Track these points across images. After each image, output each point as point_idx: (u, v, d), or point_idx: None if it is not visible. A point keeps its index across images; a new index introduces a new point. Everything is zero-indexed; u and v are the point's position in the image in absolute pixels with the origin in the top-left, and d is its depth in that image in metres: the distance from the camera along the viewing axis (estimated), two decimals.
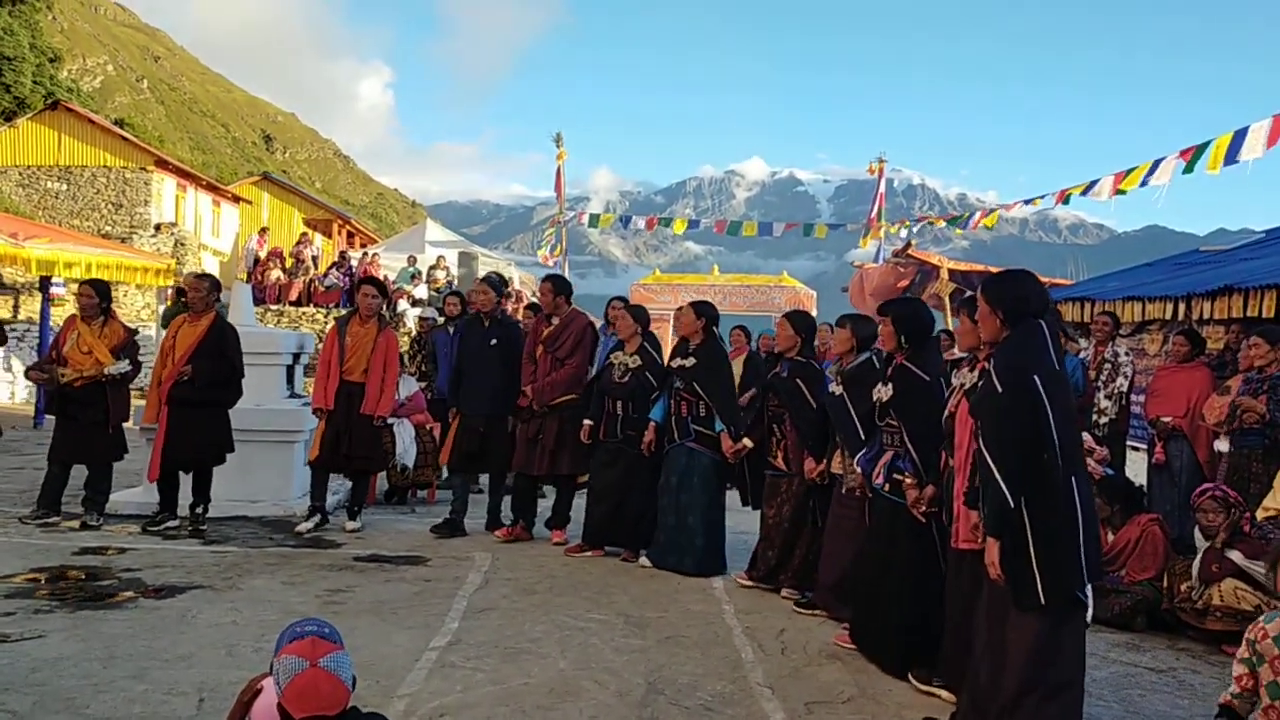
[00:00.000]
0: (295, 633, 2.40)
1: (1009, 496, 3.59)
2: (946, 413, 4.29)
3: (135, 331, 8.00)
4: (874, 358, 5.72)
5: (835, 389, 5.68)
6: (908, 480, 4.72)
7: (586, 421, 7.40)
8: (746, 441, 6.71)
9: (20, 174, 27.54)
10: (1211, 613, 5.60)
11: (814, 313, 18.75)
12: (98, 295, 7.74)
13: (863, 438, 5.32)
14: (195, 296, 7.66)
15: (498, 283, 8.23)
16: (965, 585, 4.08)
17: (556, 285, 7.86)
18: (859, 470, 5.26)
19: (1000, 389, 3.67)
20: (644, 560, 7.04)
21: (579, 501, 7.79)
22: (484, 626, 5.34)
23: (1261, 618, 3.37)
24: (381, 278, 22.67)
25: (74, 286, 8.91)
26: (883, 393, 4.96)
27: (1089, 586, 3.72)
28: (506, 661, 4.79)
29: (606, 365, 7.49)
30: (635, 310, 7.60)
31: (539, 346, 7.64)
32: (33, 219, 23.67)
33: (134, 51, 72.75)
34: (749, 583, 6.52)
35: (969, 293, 13.57)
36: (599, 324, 10.18)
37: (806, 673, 4.87)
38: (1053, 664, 3.67)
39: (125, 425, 7.83)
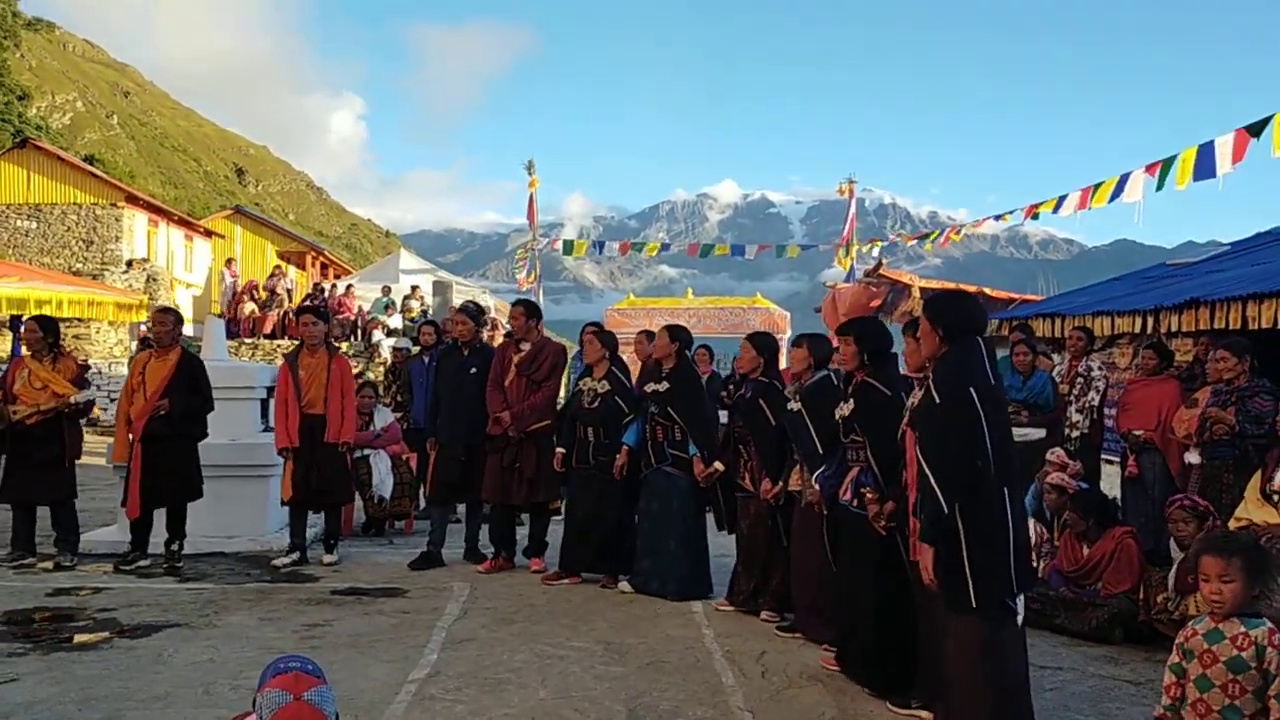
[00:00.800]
0: (279, 668, 2.40)
1: (943, 502, 3.74)
2: (901, 430, 4.39)
3: (88, 366, 7.95)
4: (832, 375, 5.80)
5: (794, 406, 5.75)
6: (869, 495, 4.79)
7: (559, 449, 7.41)
8: (718, 465, 6.73)
9: None
10: (1188, 622, 5.63)
11: (788, 333, 18.84)
12: (43, 330, 7.68)
13: (821, 454, 5.39)
14: (161, 331, 7.63)
15: (475, 312, 8.25)
16: (926, 598, 4.17)
17: (528, 310, 7.90)
18: (817, 487, 5.31)
19: (938, 400, 3.84)
20: (624, 585, 7.03)
21: (555, 528, 7.78)
22: (463, 657, 5.32)
23: (1191, 621, 3.45)
24: (356, 308, 22.68)
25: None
26: (844, 409, 5.06)
27: (1020, 597, 3.85)
28: (486, 692, 4.77)
29: (576, 392, 7.51)
30: (603, 335, 7.63)
31: (511, 371, 7.64)
32: (2, 258, 23.50)
33: (104, 87, 72.48)
34: (729, 607, 6.52)
35: None
36: (575, 350, 10.20)
37: (787, 696, 4.87)
38: (999, 670, 3.80)
39: (96, 462, 7.77)
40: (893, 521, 4.63)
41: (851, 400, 5.01)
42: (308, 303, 22.63)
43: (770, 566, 6.32)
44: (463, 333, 8.01)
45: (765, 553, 6.33)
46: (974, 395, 3.77)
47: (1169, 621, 5.77)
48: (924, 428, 3.94)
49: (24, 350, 7.99)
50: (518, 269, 22.99)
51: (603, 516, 7.20)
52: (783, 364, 7.34)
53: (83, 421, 7.88)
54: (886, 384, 4.94)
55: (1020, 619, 3.90)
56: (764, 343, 6.60)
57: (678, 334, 7.20)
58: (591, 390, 7.32)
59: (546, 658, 5.34)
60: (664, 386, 6.98)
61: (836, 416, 5.13)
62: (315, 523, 8.43)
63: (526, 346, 7.70)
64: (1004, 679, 3.82)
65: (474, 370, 7.83)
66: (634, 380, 7.64)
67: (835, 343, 5.44)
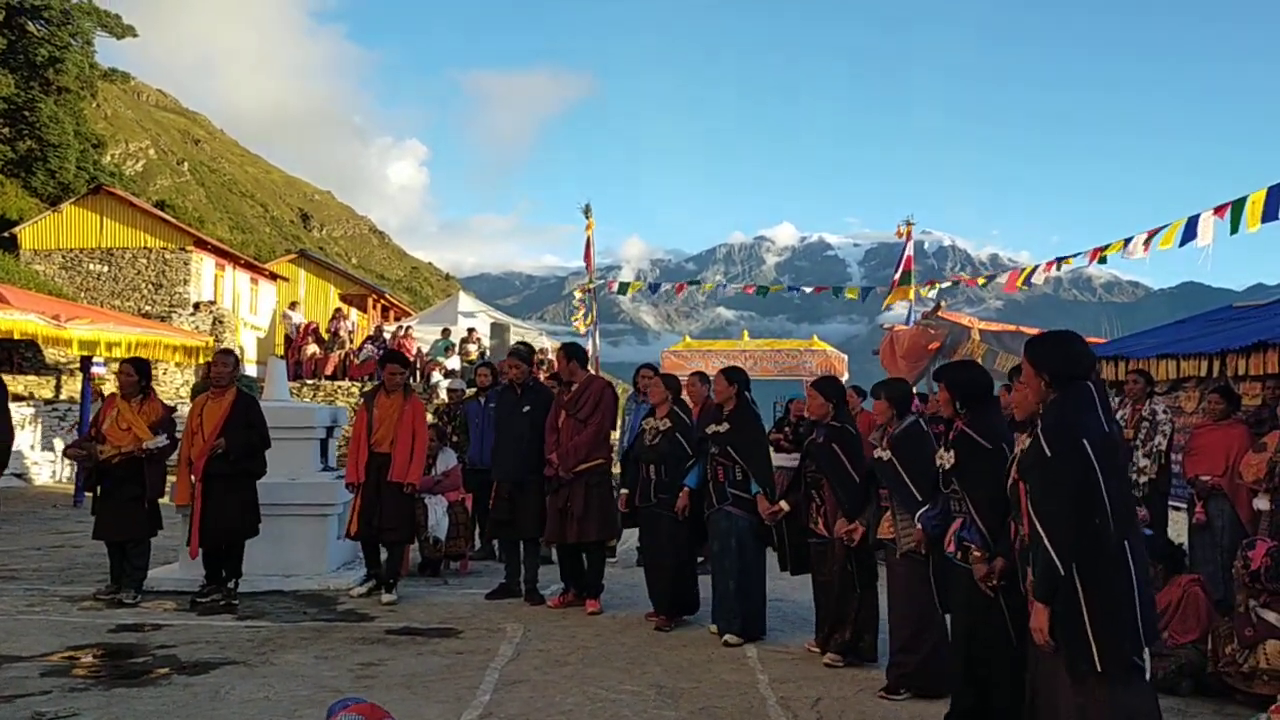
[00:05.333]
0: (348, 702, 2.44)
1: (1058, 563, 3.52)
2: (1010, 480, 4.19)
3: (173, 409, 8.13)
4: (920, 420, 5.76)
5: (883, 454, 5.61)
6: (975, 553, 4.51)
7: (623, 491, 7.55)
8: (783, 504, 6.69)
9: (64, 257, 28.23)
10: (1259, 675, 5.46)
11: (845, 375, 18.69)
12: (137, 374, 7.88)
13: (919, 498, 5.23)
14: (222, 371, 7.80)
15: (526, 354, 8.41)
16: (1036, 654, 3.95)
17: (569, 351, 8.11)
18: (920, 526, 5.09)
19: (1049, 453, 3.61)
20: (712, 627, 6.99)
21: (612, 571, 7.77)
22: (515, 699, 5.31)
23: None
24: (415, 350, 22.97)
25: (115, 366, 9.08)
26: (945, 459, 4.79)
27: (1146, 650, 3.60)
28: None
29: (640, 432, 7.60)
30: (667, 378, 7.82)
31: (561, 413, 7.76)
32: (75, 300, 24.18)
33: (175, 135, 74.51)
34: (816, 649, 6.47)
35: (999, 352, 13.51)
36: (629, 392, 10.24)
37: None
38: None
39: (162, 501, 7.92)
40: (1003, 581, 4.35)
41: (951, 452, 4.74)
42: (369, 344, 22.96)
43: (843, 613, 6.23)
44: (515, 375, 8.18)
45: (839, 597, 6.25)
46: (1088, 448, 3.54)
47: (1238, 674, 5.59)
48: (1035, 483, 3.70)
49: (116, 390, 8.23)
50: (575, 313, 23.15)
51: (662, 556, 7.29)
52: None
53: (170, 461, 8.07)
54: (986, 434, 4.67)
55: (1148, 675, 3.65)
56: (831, 388, 6.56)
57: (734, 376, 7.23)
58: (653, 429, 7.44)
59: (598, 701, 5.31)
60: (724, 427, 7.00)
61: (937, 464, 4.88)
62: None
63: (575, 387, 7.83)
64: None
65: (527, 409, 7.98)
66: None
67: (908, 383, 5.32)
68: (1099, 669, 3.50)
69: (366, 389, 17.61)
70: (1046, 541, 3.56)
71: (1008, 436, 4.60)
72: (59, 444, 17.44)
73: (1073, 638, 3.54)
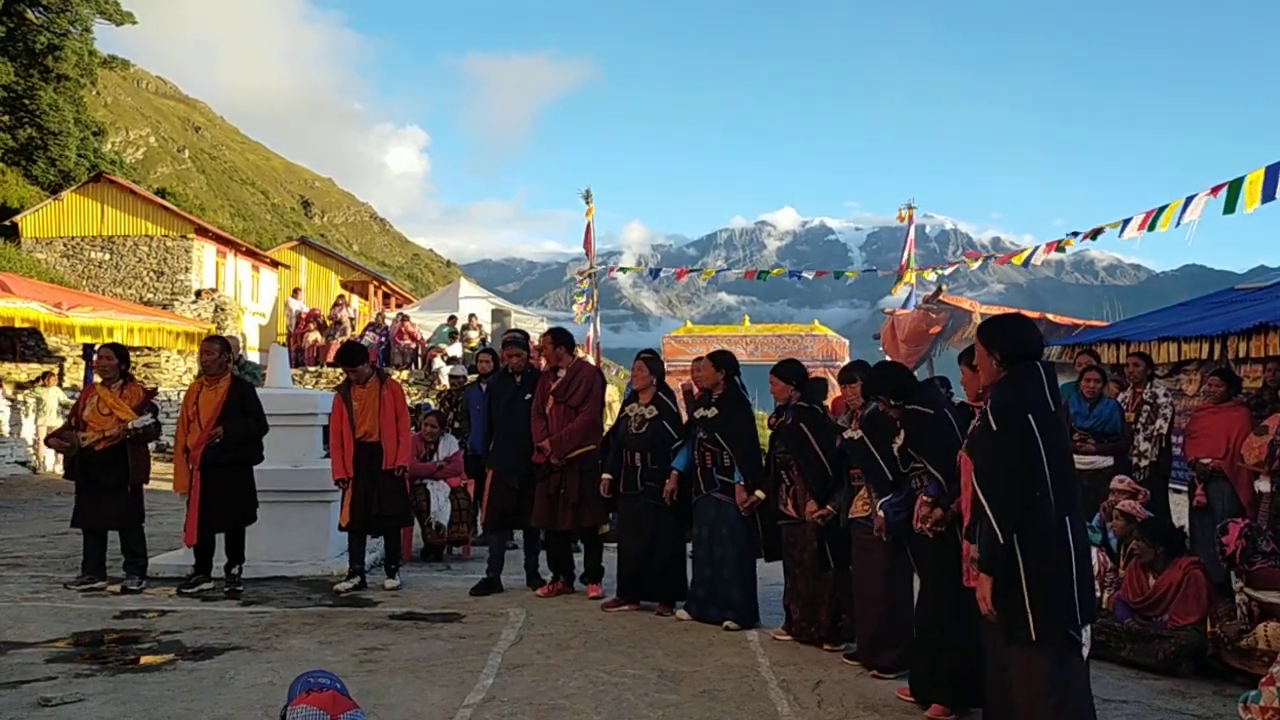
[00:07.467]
0: (310, 684, 2.42)
1: (999, 533, 3.70)
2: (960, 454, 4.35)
3: (154, 392, 8.11)
4: None
5: (853, 434, 5.71)
6: (923, 498, 4.80)
7: (605, 476, 7.43)
8: (759, 494, 6.65)
9: (65, 245, 28.20)
10: (1257, 656, 5.48)
11: (846, 359, 18.70)
12: (117, 358, 7.89)
13: (890, 477, 5.36)
14: (209, 359, 7.76)
15: (523, 340, 8.23)
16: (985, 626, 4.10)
17: (556, 337, 7.92)
18: (881, 513, 5.26)
19: (995, 428, 3.79)
20: (680, 613, 7.00)
21: (611, 554, 7.78)
22: (518, 683, 5.33)
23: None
24: (417, 337, 23.02)
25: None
26: (898, 440, 5.13)
27: (1086, 628, 3.79)
28: (541, 718, 4.77)
29: (623, 417, 7.52)
30: (651, 362, 7.61)
31: (549, 399, 7.67)
32: (77, 288, 24.18)
33: (175, 123, 74.35)
34: (786, 637, 6.46)
35: None
36: (628, 377, 10.18)
37: None
38: (1063, 704, 3.73)
39: (164, 487, 7.93)
40: (940, 526, 4.66)
41: (902, 430, 5.08)
42: (370, 331, 22.99)
43: (818, 593, 6.25)
44: (516, 364, 8.04)
45: (814, 579, 6.26)
46: (1032, 423, 3.72)
47: (1234, 649, 5.61)
48: (980, 456, 3.89)
49: (95, 377, 8.21)
50: (577, 296, 23.15)
51: (655, 543, 7.19)
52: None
53: (151, 446, 8.05)
54: (925, 403, 5.06)
55: (1086, 651, 3.83)
56: (790, 371, 6.59)
57: (722, 361, 7.12)
58: (639, 416, 7.34)
59: (601, 685, 5.34)
60: (713, 412, 6.93)
61: (894, 449, 5.20)
62: (374, 547, 8.52)
63: (563, 373, 7.73)
64: (1068, 714, 3.74)
65: (528, 398, 7.87)
66: (684, 407, 7.64)
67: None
68: (1034, 638, 3.70)
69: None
70: (989, 511, 3.73)
71: (947, 403, 4.99)
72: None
73: (1011, 607, 3.74)
